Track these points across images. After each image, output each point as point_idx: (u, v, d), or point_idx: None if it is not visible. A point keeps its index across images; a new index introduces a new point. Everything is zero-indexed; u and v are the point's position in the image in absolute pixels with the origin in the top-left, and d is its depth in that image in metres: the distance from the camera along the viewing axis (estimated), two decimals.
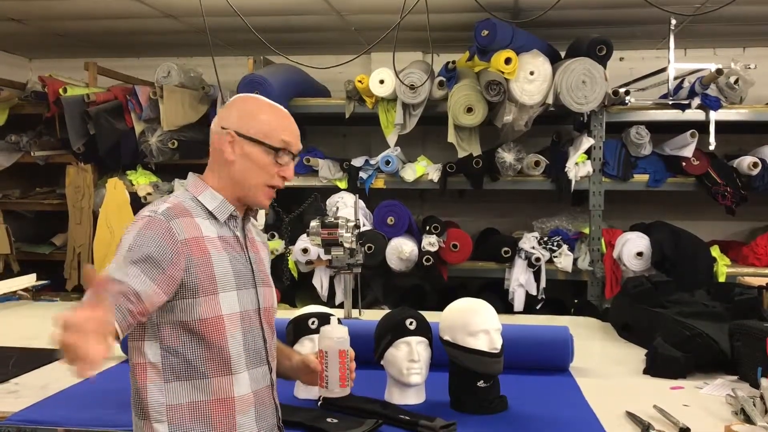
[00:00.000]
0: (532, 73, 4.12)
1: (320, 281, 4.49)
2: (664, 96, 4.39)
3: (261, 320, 1.78)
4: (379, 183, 4.59)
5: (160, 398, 1.64)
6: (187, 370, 1.65)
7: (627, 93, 4.28)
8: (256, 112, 1.77)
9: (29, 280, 4.17)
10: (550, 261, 4.40)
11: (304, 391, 2.35)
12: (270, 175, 1.76)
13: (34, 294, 4.17)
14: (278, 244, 4.61)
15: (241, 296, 1.73)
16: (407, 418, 2.10)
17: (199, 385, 1.66)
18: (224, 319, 1.68)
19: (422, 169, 4.54)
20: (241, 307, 1.72)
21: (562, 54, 4.49)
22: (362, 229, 3.64)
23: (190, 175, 1.87)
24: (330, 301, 4.42)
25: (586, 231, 4.46)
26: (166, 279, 1.60)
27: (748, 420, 2.10)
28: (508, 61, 4.06)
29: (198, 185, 1.78)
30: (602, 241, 4.39)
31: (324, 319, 2.34)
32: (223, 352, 1.67)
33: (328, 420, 2.10)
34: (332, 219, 3.13)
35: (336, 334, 1.83)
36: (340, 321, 1.92)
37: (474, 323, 2.21)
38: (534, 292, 4.33)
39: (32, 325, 3.45)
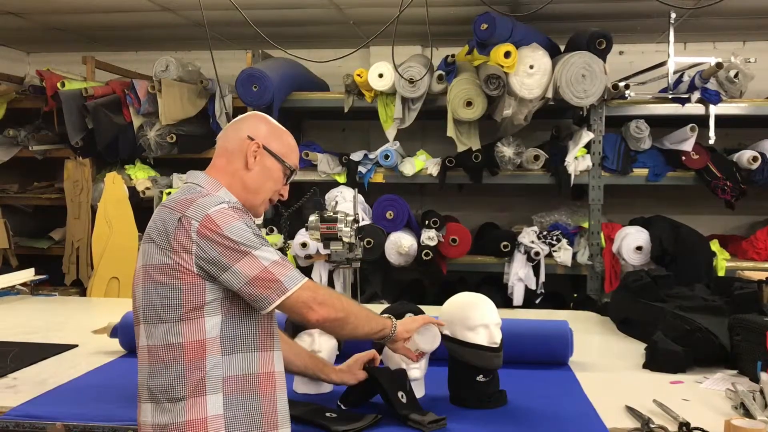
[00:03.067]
0: (531, 67, 4.11)
1: (319, 276, 4.49)
2: (664, 90, 4.38)
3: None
4: (378, 177, 4.58)
5: (217, 372, 1.73)
6: (242, 343, 1.77)
7: (626, 87, 4.28)
8: (281, 133, 1.96)
9: (28, 274, 4.16)
10: (549, 255, 4.40)
11: (303, 386, 2.34)
12: (276, 190, 1.94)
13: (33, 288, 4.16)
14: (277, 239, 4.60)
15: None
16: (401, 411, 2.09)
17: (251, 358, 1.78)
18: None
19: (421, 164, 4.53)
20: None
21: (562, 48, 4.48)
22: (361, 223, 3.63)
23: (194, 171, 1.94)
24: None
25: (586, 225, 4.45)
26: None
27: (748, 414, 2.09)
28: (507, 54, 4.05)
29: (213, 184, 1.86)
30: (602, 235, 4.39)
31: None
32: (269, 328, 1.84)
33: (327, 414, 2.09)
34: (331, 213, 3.12)
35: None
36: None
37: (473, 318, 2.20)
38: (533, 287, 4.33)
39: (31, 319, 3.44)
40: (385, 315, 2.03)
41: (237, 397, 1.74)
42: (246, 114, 2.03)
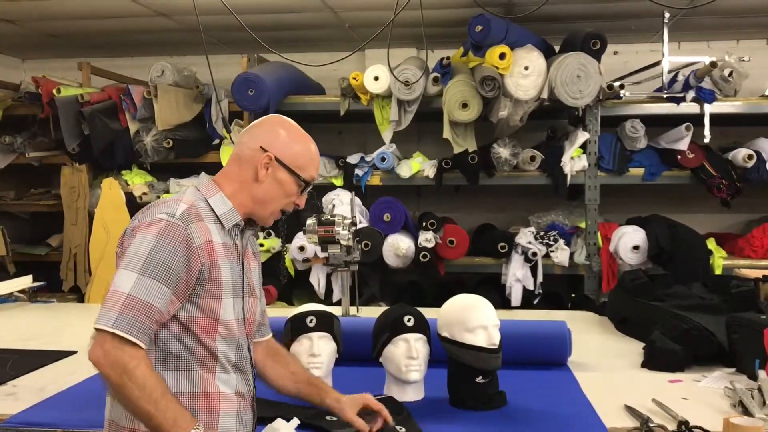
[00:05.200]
0: (526, 68, 4.12)
1: (317, 279, 4.49)
2: (659, 89, 4.39)
3: (244, 330, 1.82)
4: (375, 180, 4.59)
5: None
6: (177, 361, 1.70)
7: (621, 87, 4.29)
8: (296, 142, 1.84)
9: (25, 281, 4.16)
10: (546, 256, 4.40)
11: None
12: (289, 202, 1.85)
13: (31, 295, 4.16)
14: (275, 242, 4.61)
15: (234, 304, 1.77)
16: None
17: (188, 375, 1.70)
18: (219, 322, 1.73)
19: (418, 166, 4.54)
20: (234, 314, 1.77)
21: (557, 48, 4.49)
22: (359, 226, 3.64)
23: (204, 176, 1.90)
24: (327, 299, 4.42)
25: (583, 225, 4.46)
26: (183, 287, 1.66)
27: (747, 412, 2.10)
28: (502, 56, 4.06)
29: (210, 188, 1.80)
30: (598, 235, 4.40)
31: (322, 318, 2.35)
32: (212, 351, 1.72)
33: (327, 418, 2.09)
34: (328, 217, 3.13)
35: None
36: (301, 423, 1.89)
37: (472, 319, 2.21)
38: (531, 287, 4.34)
39: (29, 326, 3.44)
40: (199, 428, 1.62)
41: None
42: (267, 117, 1.93)
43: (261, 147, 1.79)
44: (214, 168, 5.04)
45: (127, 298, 1.59)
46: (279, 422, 1.86)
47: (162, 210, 1.69)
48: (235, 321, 1.77)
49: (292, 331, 2.35)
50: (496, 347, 2.20)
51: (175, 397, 1.65)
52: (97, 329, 1.59)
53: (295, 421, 1.87)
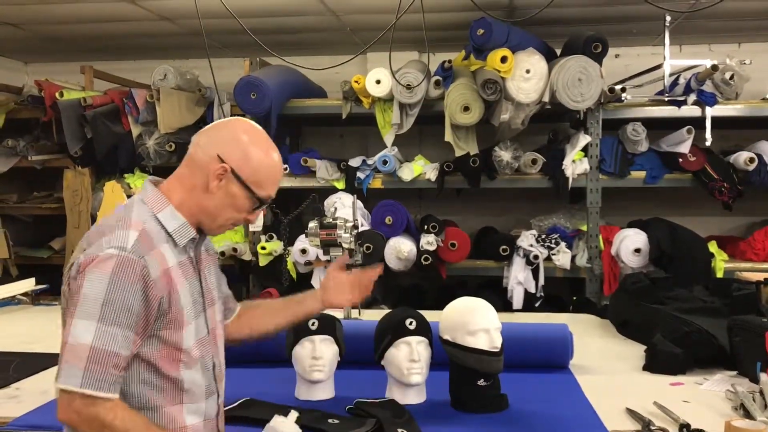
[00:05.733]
0: (528, 72, 4.13)
1: (319, 282, 4.48)
2: (660, 92, 4.39)
3: (211, 342, 1.75)
4: (377, 183, 4.59)
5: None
6: (139, 402, 1.60)
7: (623, 90, 4.28)
8: (258, 157, 1.67)
9: (28, 284, 4.17)
10: (548, 258, 4.41)
11: (305, 393, 2.35)
12: (240, 218, 1.72)
13: (34, 298, 4.17)
14: (277, 246, 4.61)
15: (197, 325, 1.69)
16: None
17: (151, 415, 1.61)
18: (181, 352, 1.63)
19: (419, 169, 4.55)
20: (196, 336, 1.68)
21: (558, 52, 4.49)
22: (360, 229, 3.64)
23: (149, 184, 1.70)
24: None
25: (584, 228, 4.46)
26: (143, 324, 1.55)
27: (748, 415, 2.10)
28: (504, 59, 4.06)
29: (158, 200, 1.65)
30: (600, 238, 4.40)
31: (324, 321, 2.35)
32: (176, 384, 1.64)
33: (330, 421, 2.10)
34: (330, 220, 3.13)
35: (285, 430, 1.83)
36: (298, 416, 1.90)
37: (473, 322, 2.21)
38: (533, 290, 4.34)
39: (32, 329, 3.45)
40: None
41: None
42: (229, 121, 1.74)
43: (218, 155, 1.63)
44: None
45: (90, 351, 1.47)
46: (276, 419, 1.86)
47: (111, 242, 1.54)
48: (197, 342, 1.68)
49: (294, 334, 2.36)
50: (497, 350, 2.20)
51: (159, 426, 1.60)
52: (62, 389, 1.49)
53: (293, 414, 1.88)
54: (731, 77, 4.27)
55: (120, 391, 1.55)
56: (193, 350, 1.66)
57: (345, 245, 3.12)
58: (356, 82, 4.41)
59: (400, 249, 4.30)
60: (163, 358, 1.61)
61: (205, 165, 1.65)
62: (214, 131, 1.70)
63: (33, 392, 2.43)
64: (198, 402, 1.69)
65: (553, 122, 4.87)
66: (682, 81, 4.37)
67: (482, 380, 2.21)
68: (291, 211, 4.71)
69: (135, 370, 1.58)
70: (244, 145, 1.67)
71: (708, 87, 4.27)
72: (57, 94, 4.81)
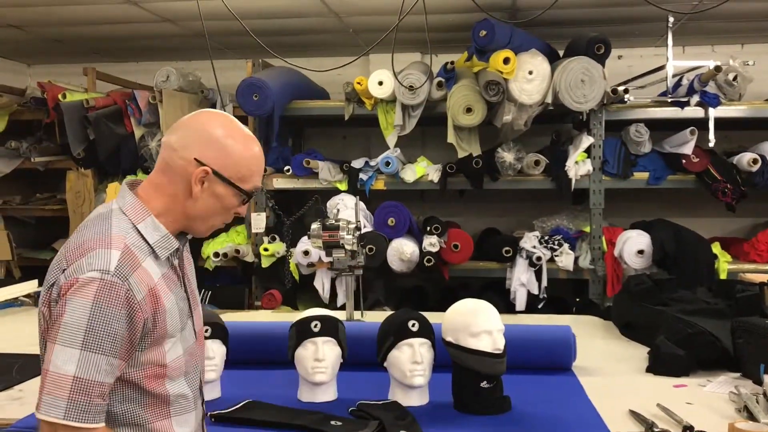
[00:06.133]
0: (530, 73, 4.13)
1: (322, 283, 4.49)
2: (663, 94, 4.39)
3: (198, 348, 1.71)
4: (380, 184, 4.59)
5: None
6: (125, 418, 1.54)
7: (626, 91, 4.28)
8: (237, 148, 1.58)
9: (31, 286, 4.17)
10: (551, 260, 4.40)
11: (308, 395, 2.35)
12: (229, 215, 1.64)
13: (37, 300, 4.17)
14: (279, 247, 4.61)
15: (184, 336, 1.63)
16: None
17: (139, 431, 1.56)
18: (166, 367, 1.58)
19: (422, 170, 4.54)
20: (183, 347, 1.63)
21: (561, 53, 4.49)
22: (363, 230, 3.65)
23: (126, 190, 1.60)
24: (332, 304, 4.43)
25: (587, 229, 4.46)
26: (127, 347, 1.48)
27: (752, 417, 2.10)
28: (506, 60, 4.06)
29: (138, 211, 1.56)
30: (603, 239, 4.40)
31: (326, 322, 2.35)
32: (163, 399, 1.58)
33: (332, 423, 2.10)
34: (333, 221, 3.13)
35: None
36: None
37: (476, 324, 2.21)
38: (535, 292, 4.33)
39: (35, 331, 3.43)
40: None
41: None
42: (198, 116, 1.62)
43: (195, 159, 1.54)
44: None
45: (74, 381, 1.40)
46: None
47: (92, 264, 1.45)
48: (185, 352, 1.63)
49: (297, 335, 2.35)
50: (500, 352, 2.20)
51: None
52: (44, 421, 1.41)
53: None
54: (734, 78, 4.26)
55: (110, 408, 1.50)
56: (179, 362, 1.61)
57: (347, 247, 3.12)
58: (359, 83, 4.41)
59: (402, 250, 4.30)
60: (149, 376, 1.55)
61: (183, 170, 1.55)
62: (185, 131, 1.59)
63: (35, 394, 2.41)
64: (187, 412, 1.65)
65: (555, 123, 4.87)
66: (685, 82, 4.36)
67: (485, 382, 2.21)
68: (293, 213, 4.72)
69: (120, 389, 1.52)
70: (220, 141, 1.57)
71: (711, 88, 4.26)
72: (60, 96, 4.82)
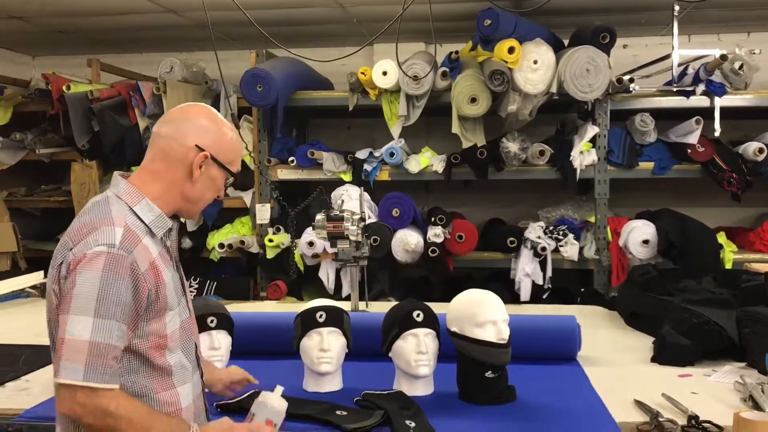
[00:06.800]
0: (535, 62, 4.11)
1: (326, 274, 4.50)
2: (669, 83, 4.37)
3: (192, 324, 1.84)
4: (384, 175, 4.59)
5: None
6: (133, 390, 1.65)
7: (631, 80, 4.27)
8: (225, 135, 1.78)
9: (37, 277, 4.19)
10: (556, 250, 4.40)
11: (313, 385, 2.36)
12: (217, 195, 1.82)
13: (42, 291, 4.19)
14: (284, 238, 4.62)
15: (180, 310, 1.76)
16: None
17: (147, 402, 1.66)
18: (167, 338, 1.70)
19: (426, 161, 4.54)
20: (180, 320, 1.76)
21: (566, 42, 4.47)
22: (367, 221, 3.65)
23: (119, 178, 1.74)
24: (337, 294, 4.43)
25: (592, 219, 4.45)
26: (134, 317, 1.61)
27: (757, 406, 2.10)
28: (511, 50, 4.04)
29: (133, 194, 1.69)
30: (608, 229, 4.39)
31: (331, 313, 2.36)
32: (165, 369, 1.70)
33: (338, 413, 2.10)
34: (337, 212, 3.14)
35: (273, 404, 1.85)
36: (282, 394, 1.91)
37: (481, 314, 2.21)
38: (540, 282, 4.33)
39: (41, 322, 3.42)
40: (195, 429, 1.68)
41: None
42: (189, 109, 1.79)
43: (196, 145, 1.71)
44: None
45: (90, 345, 1.53)
46: (264, 394, 1.87)
47: (98, 240, 1.58)
48: (182, 326, 1.76)
49: (302, 326, 2.36)
50: (505, 342, 2.20)
51: (159, 412, 1.66)
52: (64, 384, 1.53)
53: (279, 389, 1.89)
54: (740, 67, 4.24)
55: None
56: (178, 334, 1.74)
57: (352, 237, 3.12)
58: (363, 73, 4.40)
59: (407, 241, 4.30)
60: (152, 346, 1.67)
61: (183, 157, 1.71)
62: (179, 122, 1.75)
63: (43, 384, 2.44)
64: (187, 382, 1.76)
65: (560, 113, 4.85)
66: (690, 71, 4.34)
67: (490, 372, 2.21)
68: (298, 204, 4.73)
69: (126, 361, 1.64)
70: (214, 129, 1.75)
71: (717, 77, 4.24)
72: (64, 88, 4.83)
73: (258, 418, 1.83)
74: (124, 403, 1.58)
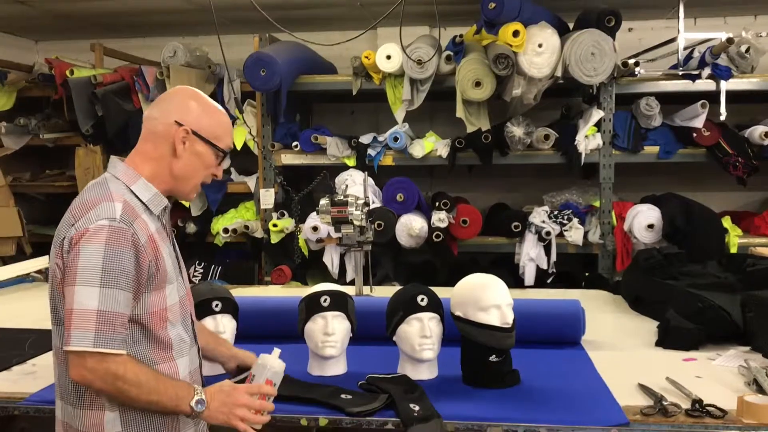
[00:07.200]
0: (540, 46, 4.09)
1: (331, 259, 4.50)
2: (674, 66, 4.35)
3: (189, 301, 1.91)
4: (388, 160, 4.58)
5: None
6: (135, 357, 1.71)
7: (636, 64, 4.24)
8: (209, 113, 1.83)
9: (42, 262, 4.20)
10: (560, 235, 4.39)
11: (318, 369, 2.36)
12: (208, 174, 1.86)
13: (47, 276, 4.20)
14: (288, 223, 4.62)
15: (177, 286, 1.83)
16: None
17: None
18: (167, 311, 1.78)
19: (431, 145, 4.53)
20: (179, 294, 1.83)
21: (571, 26, 4.44)
22: (372, 206, 3.64)
23: (116, 160, 1.84)
24: (341, 279, 4.44)
25: (597, 204, 4.44)
26: (137, 287, 1.69)
27: (761, 390, 2.10)
28: (516, 33, 4.02)
29: (129, 174, 1.78)
30: (613, 213, 4.38)
31: (336, 297, 2.36)
32: (165, 341, 1.78)
33: (342, 396, 2.11)
34: (341, 197, 3.13)
35: (273, 365, 1.90)
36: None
37: (485, 298, 2.21)
38: (545, 267, 4.33)
39: (46, 306, 3.46)
40: (197, 399, 1.74)
41: (136, 412, 1.72)
42: (174, 90, 1.89)
43: (176, 121, 1.78)
44: None
45: (98, 314, 1.61)
46: (263, 357, 1.92)
47: (100, 215, 1.66)
48: (180, 300, 1.83)
49: (306, 310, 2.36)
50: (509, 326, 2.20)
51: (164, 375, 1.74)
52: (74, 351, 1.61)
53: (277, 351, 1.94)
54: (747, 50, 4.20)
55: None
56: (177, 307, 1.81)
57: (356, 222, 3.12)
58: (366, 57, 4.38)
59: (411, 226, 4.30)
60: (153, 318, 1.75)
61: (166, 134, 1.79)
62: (165, 103, 1.84)
63: (49, 368, 2.43)
64: (185, 356, 1.84)
65: (565, 97, 4.83)
66: (696, 54, 4.31)
67: (494, 356, 2.22)
68: (302, 189, 4.73)
69: (130, 332, 1.71)
70: (195, 107, 1.82)
71: (723, 60, 4.21)
72: (67, 72, 4.81)
73: (258, 379, 1.88)
74: (133, 368, 1.66)
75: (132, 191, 1.75)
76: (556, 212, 4.48)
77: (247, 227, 4.68)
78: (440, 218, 4.31)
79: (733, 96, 4.24)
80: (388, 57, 4.32)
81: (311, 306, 2.35)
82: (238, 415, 1.79)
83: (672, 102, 4.43)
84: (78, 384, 1.68)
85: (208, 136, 1.81)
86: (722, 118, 4.22)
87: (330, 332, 2.31)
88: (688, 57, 4.32)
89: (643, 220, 4.23)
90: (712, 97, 4.23)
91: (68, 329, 1.62)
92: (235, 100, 4.73)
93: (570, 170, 4.51)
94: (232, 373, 2.16)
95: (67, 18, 5.11)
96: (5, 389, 2.28)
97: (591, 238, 4.40)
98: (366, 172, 3.51)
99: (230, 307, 2.46)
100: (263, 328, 2.71)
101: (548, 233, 4.30)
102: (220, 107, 1.88)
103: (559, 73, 4.16)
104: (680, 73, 4.28)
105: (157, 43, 5.13)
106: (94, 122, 4.83)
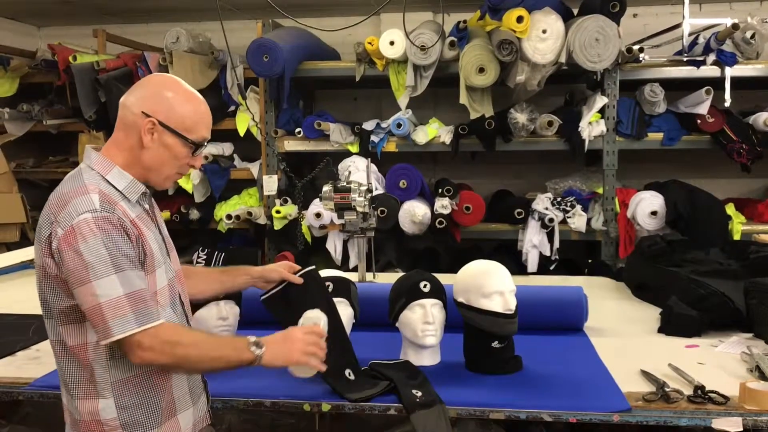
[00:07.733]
0: (544, 32, 4.07)
1: (334, 245, 4.51)
2: (679, 53, 4.32)
3: (179, 282, 1.90)
4: (391, 146, 4.57)
5: (104, 376, 1.70)
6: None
7: (641, 50, 4.22)
8: (181, 103, 1.76)
9: None
10: (563, 221, 4.39)
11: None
12: (182, 165, 1.81)
13: None
14: (291, 209, 4.62)
15: (165, 269, 1.81)
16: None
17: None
18: (158, 294, 1.76)
19: (434, 132, 4.52)
20: (167, 279, 1.81)
21: (575, 11, 4.42)
22: (375, 193, 3.64)
23: (90, 150, 1.80)
24: (344, 265, 4.45)
25: (600, 191, 4.44)
26: (139, 263, 1.70)
27: (763, 377, 2.10)
28: (519, 19, 4.00)
29: (103, 164, 1.75)
30: (616, 200, 4.37)
31: (339, 283, 2.36)
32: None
33: (347, 372, 2.12)
34: (344, 183, 3.13)
35: (318, 316, 2.01)
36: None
37: (488, 285, 2.21)
38: (547, 253, 4.33)
39: None
40: (253, 341, 1.77)
41: (131, 397, 1.72)
42: (148, 79, 1.84)
43: (143, 112, 1.73)
44: (230, 135, 4.98)
45: (128, 298, 1.62)
46: (307, 315, 2.04)
47: (79, 209, 1.63)
48: (169, 283, 1.81)
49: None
50: (512, 312, 2.21)
51: (211, 332, 1.83)
52: (123, 339, 1.62)
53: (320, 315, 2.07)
54: (752, 36, 4.18)
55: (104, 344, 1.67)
56: (166, 290, 1.80)
57: (359, 209, 3.12)
58: (370, 43, 4.36)
59: (414, 213, 4.29)
60: None
61: (134, 124, 1.74)
62: (138, 91, 1.78)
63: (52, 354, 2.46)
64: None
65: (569, 83, 4.81)
66: (701, 40, 4.29)
67: (496, 342, 2.22)
68: (305, 175, 4.72)
69: None
70: (166, 97, 1.76)
71: (728, 46, 4.19)
72: (70, 58, 4.81)
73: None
74: (180, 330, 1.74)
75: (107, 180, 1.73)
76: (559, 199, 4.48)
77: (250, 213, 4.68)
78: (443, 205, 4.31)
79: (737, 82, 4.21)
80: (392, 43, 4.31)
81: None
82: (300, 349, 1.80)
83: (676, 88, 4.41)
84: (114, 371, 1.70)
85: (178, 128, 1.75)
86: (727, 104, 4.20)
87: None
88: (693, 43, 4.30)
89: (647, 206, 4.23)
90: (717, 83, 4.21)
91: (104, 323, 1.61)
92: (238, 86, 4.72)
93: (573, 157, 4.50)
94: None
95: (70, 3, 5.10)
96: (10, 374, 2.29)
97: (594, 224, 4.40)
98: (369, 159, 3.50)
99: (234, 293, 2.46)
100: (266, 314, 2.71)
101: (551, 220, 4.30)
102: (198, 96, 1.82)
103: (563, 59, 4.14)
104: (685, 59, 4.26)
105: (160, 29, 5.13)
106: (97, 108, 4.82)
